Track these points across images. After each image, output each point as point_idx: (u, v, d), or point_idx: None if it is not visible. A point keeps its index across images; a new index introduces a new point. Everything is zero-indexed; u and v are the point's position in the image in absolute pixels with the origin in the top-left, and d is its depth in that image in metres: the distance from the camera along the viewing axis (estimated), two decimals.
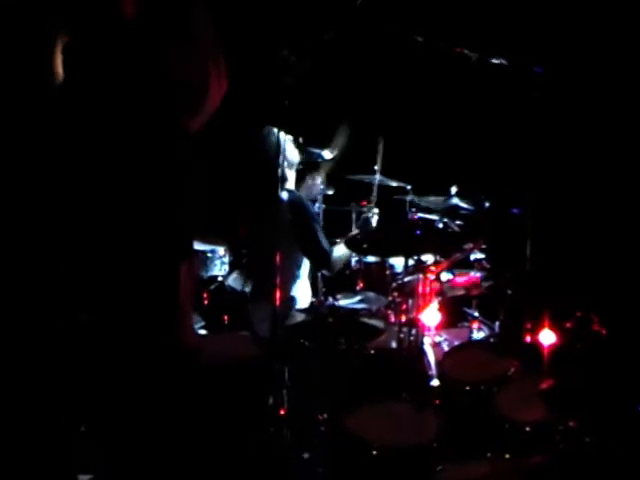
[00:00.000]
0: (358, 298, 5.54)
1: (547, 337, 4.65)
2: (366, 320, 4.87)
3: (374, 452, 4.03)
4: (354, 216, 6.30)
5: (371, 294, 5.58)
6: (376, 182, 6.21)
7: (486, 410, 4.18)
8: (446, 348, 5.20)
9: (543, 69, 5.06)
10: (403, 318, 4.97)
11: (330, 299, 5.03)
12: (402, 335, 4.89)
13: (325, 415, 4.63)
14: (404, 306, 5.05)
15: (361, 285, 5.79)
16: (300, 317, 4.85)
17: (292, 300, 5.32)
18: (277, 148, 4.93)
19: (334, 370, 4.79)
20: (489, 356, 4.70)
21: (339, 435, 4.26)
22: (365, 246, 5.13)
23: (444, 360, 4.74)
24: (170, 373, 3.42)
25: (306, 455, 4.63)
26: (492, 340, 5.30)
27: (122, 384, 3.37)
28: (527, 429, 4.00)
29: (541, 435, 3.93)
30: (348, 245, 5.11)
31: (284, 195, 5.29)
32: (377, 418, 4.27)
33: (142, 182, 3.28)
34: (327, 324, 4.70)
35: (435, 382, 4.74)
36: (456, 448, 4.05)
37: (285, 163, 5.39)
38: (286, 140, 5.44)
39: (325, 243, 5.36)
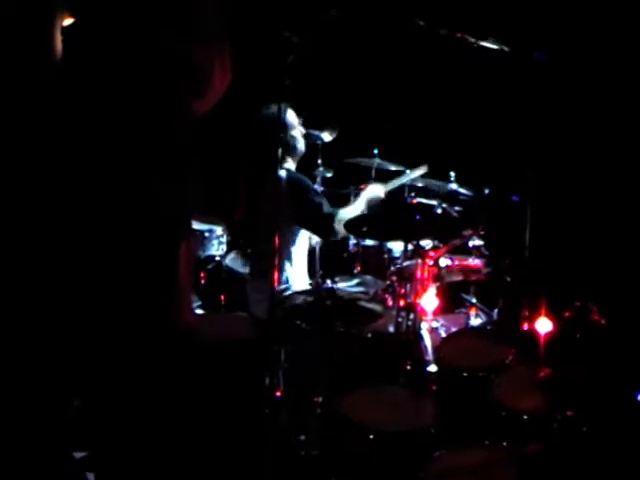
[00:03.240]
0: (356, 281, 5.53)
1: (544, 325, 4.65)
2: (364, 304, 4.85)
3: (371, 436, 4.02)
4: (352, 199, 6.27)
5: (369, 277, 5.58)
6: (375, 165, 6.21)
7: (483, 397, 4.17)
8: (443, 334, 5.21)
9: (544, 56, 5.04)
10: (401, 302, 4.96)
11: (328, 282, 5.01)
12: (400, 319, 4.89)
13: (321, 398, 4.63)
14: (402, 290, 5.04)
15: (359, 268, 5.78)
16: (299, 299, 4.83)
17: (285, 281, 5.30)
18: (278, 126, 4.92)
19: (331, 353, 4.78)
20: (487, 343, 4.70)
21: (335, 418, 4.25)
22: (365, 229, 5.11)
23: (442, 346, 4.74)
24: (168, 352, 3.42)
25: (302, 437, 4.63)
26: (489, 327, 5.30)
27: (120, 363, 3.37)
28: (524, 417, 4.00)
29: (538, 424, 3.92)
30: (347, 227, 5.08)
31: (282, 174, 5.27)
32: (374, 402, 4.27)
33: (141, 162, 3.27)
34: (325, 307, 4.67)
35: (432, 368, 4.75)
36: (453, 434, 4.05)
37: (289, 145, 5.37)
38: (293, 122, 5.42)
39: (327, 208, 5.34)
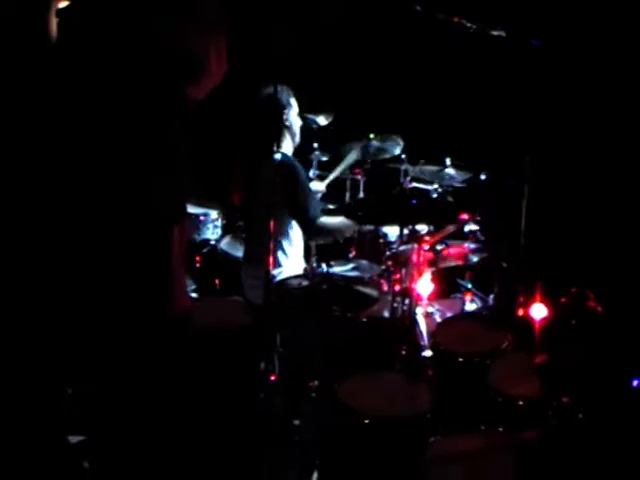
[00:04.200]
0: (351, 266, 5.52)
1: (539, 311, 4.64)
2: (360, 288, 4.83)
3: (366, 421, 4.01)
4: (348, 183, 6.27)
5: (364, 262, 5.55)
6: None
7: (479, 383, 4.16)
8: (438, 319, 5.21)
9: (541, 42, 5.02)
10: (397, 287, 4.96)
11: (324, 266, 5.00)
12: (395, 304, 4.88)
13: (316, 382, 4.62)
14: (398, 275, 5.03)
15: (354, 253, 5.76)
16: (294, 283, 4.81)
17: (279, 266, 5.28)
18: (276, 107, 4.92)
19: (326, 337, 4.77)
20: (483, 329, 4.71)
21: (331, 403, 4.24)
22: (361, 214, 5.09)
23: (438, 331, 4.73)
24: (162, 336, 3.42)
25: (297, 422, 4.63)
26: (485, 312, 5.30)
27: (115, 348, 3.37)
28: (520, 403, 3.99)
29: (534, 410, 3.92)
30: (344, 213, 5.07)
31: (277, 157, 5.24)
32: (369, 387, 4.27)
33: (134, 148, 3.27)
34: (321, 291, 4.66)
35: (427, 353, 4.75)
36: (448, 420, 4.04)
37: (286, 127, 5.34)
38: (291, 104, 5.40)
39: (313, 210, 5.32)
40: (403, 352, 4.72)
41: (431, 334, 4.76)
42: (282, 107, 5.23)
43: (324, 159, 6.27)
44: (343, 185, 6.23)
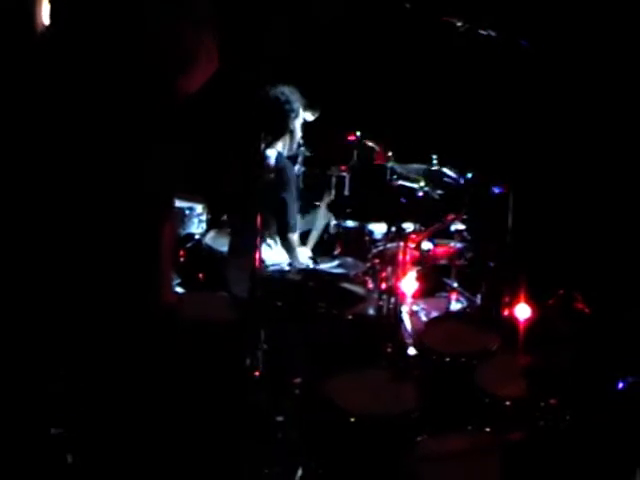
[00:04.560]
0: (336, 263, 5.50)
1: (523, 311, 4.65)
2: (347, 286, 4.82)
3: (352, 419, 4.00)
4: (333, 180, 6.24)
5: (349, 259, 5.53)
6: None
7: (466, 383, 4.16)
8: (423, 317, 5.21)
9: (529, 43, 5.02)
10: (382, 285, 4.95)
11: (309, 262, 5.00)
12: (381, 302, 4.88)
13: (299, 379, 4.60)
14: (383, 273, 5.02)
15: (339, 250, 5.74)
16: (280, 279, 4.80)
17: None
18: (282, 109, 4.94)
19: (311, 334, 4.76)
20: (471, 329, 4.70)
21: (316, 400, 4.22)
22: (348, 211, 5.08)
23: (425, 330, 4.73)
24: (148, 329, 3.40)
25: (280, 418, 4.61)
26: (470, 311, 5.30)
27: (101, 341, 3.34)
28: (507, 404, 3.99)
29: (521, 411, 3.92)
30: (330, 209, 5.06)
31: (272, 155, 5.24)
32: (355, 385, 4.26)
33: (124, 138, 3.24)
34: (308, 288, 4.64)
35: (412, 351, 4.74)
36: (435, 419, 4.04)
37: (289, 130, 5.34)
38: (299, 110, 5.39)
39: (293, 217, 5.34)
40: (389, 350, 4.71)
41: (418, 333, 4.74)
42: (290, 110, 5.24)
43: (308, 155, 6.24)
44: (328, 182, 6.20)
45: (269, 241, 5.37)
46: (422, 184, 5.60)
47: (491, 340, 4.49)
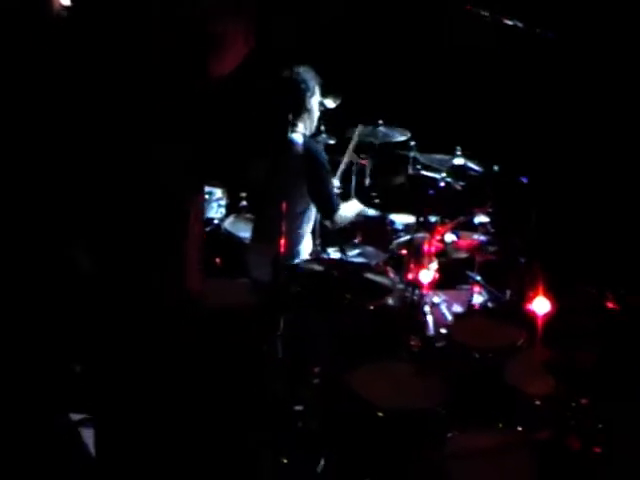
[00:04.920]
0: (357, 251, 5.46)
1: (542, 305, 4.60)
2: (373, 277, 4.78)
3: (380, 414, 3.95)
4: (354, 168, 6.19)
5: (370, 249, 5.50)
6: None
7: (495, 380, 4.11)
8: (445, 309, 5.17)
9: (555, 35, 4.98)
10: (408, 276, 4.91)
11: (330, 252, 4.96)
12: (405, 294, 4.84)
13: (318, 368, 4.56)
14: (409, 264, 4.99)
15: (360, 239, 5.69)
16: (306, 268, 4.76)
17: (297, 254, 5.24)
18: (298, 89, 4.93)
19: (334, 324, 4.71)
20: (498, 324, 4.64)
21: (340, 392, 4.18)
22: (378, 201, 5.05)
23: (453, 325, 4.69)
24: (175, 318, 3.36)
25: (299, 407, 4.56)
26: (496, 306, 5.25)
27: (125, 328, 3.31)
28: (537, 402, 3.94)
29: (551, 409, 3.87)
30: (360, 199, 5.03)
31: (298, 139, 5.18)
32: (379, 378, 4.19)
33: (152, 121, 3.21)
34: (333, 278, 4.59)
35: (438, 344, 4.70)
36: (464, 416, 3.99)
37: (307, 110, 5.28)
38: (315, 89, 5.33)
39: (335, 199, 5.31)
40: (413, 343, 4.67)
41: (446, 328, 4.69)
42: (306, 89, 5.19)
43: (331, 142, 6.19)
44: (349, 171, 6.15)
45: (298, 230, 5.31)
46: (444, 175, 5.56)
47: (518, 335, 4.44)
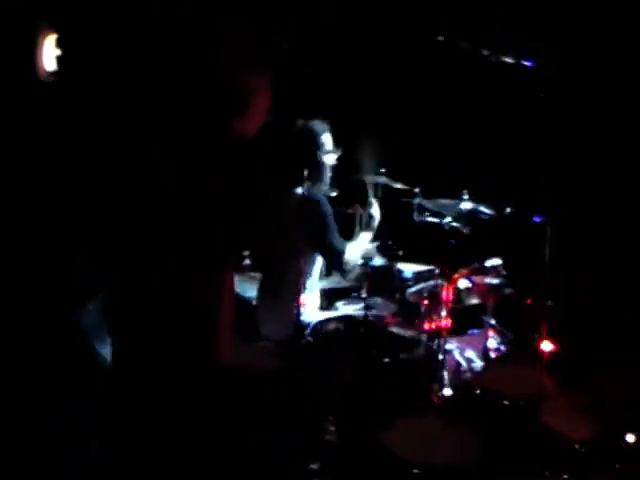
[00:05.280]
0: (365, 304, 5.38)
1: (547, 346, 4.58)
2: (400, 331, 4.71)
3: (415, 471, 3.85)
4: (357, 219, 6.11)
5: (378, 299, 5.41)
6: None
7: (530, 427, 4.02)
8: (458, 356, 5.11)
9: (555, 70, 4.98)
10: (427, 326, 4.86)
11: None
12: (429, 344, 4.78)
13: (333, 426, 4.46)
14: (429, 314, 4.94)
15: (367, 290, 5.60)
16: (328, 326, 4.69)
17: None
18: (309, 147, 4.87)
19: (346, 377, 4.64)
20: (520, 370, 4.57)
21: (374, 450, 4.08)
22: (400, 253, 4.99)
23: (483, 373, 4.62)
24: (208, 391, 3.29)
25: (314, 466, 4.45)
26: (509, 348, 5.20)
27: (154, 390, 3.21)
28: (577, 447, 3.86)
29: (593, 453, 3.79)
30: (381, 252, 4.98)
31: (299, 191, 5.13)
32: (410, 434, 4.09)
33: (180, 178, 3.13)
34: (358, 335, 4.52)
35: (447, 391, 4.62)
36: (503, 467, 3.90)
37: (319, 168, 5.23)
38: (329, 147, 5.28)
39: (340, 244, 5.22)
40: (438, 394, 4.60)
41: (478, 375, 4.63)
42: (319, 148, 5.14)
43: (333, 194, 6.13)
44: (352, 218, 6.08)
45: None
46: (449, 219, 5.51)
47: (546, 381, 4.37)
